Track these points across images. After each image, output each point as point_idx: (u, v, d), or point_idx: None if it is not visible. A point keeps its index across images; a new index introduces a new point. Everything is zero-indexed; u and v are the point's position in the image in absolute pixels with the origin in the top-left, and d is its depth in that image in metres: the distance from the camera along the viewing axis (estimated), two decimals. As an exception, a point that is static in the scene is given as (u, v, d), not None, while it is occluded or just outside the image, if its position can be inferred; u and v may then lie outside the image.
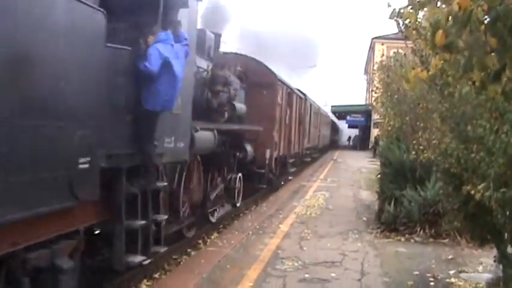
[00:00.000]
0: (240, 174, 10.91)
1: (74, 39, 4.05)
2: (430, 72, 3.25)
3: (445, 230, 8.52)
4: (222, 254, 7.57)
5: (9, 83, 3.38)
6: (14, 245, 3.69)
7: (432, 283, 6.49)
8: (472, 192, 4.37)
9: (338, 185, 17.65)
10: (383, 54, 12.52)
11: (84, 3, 4.19)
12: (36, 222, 3.85)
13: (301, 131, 20.38)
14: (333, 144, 51.04)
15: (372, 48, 45.79)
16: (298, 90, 19.55)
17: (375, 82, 12.40)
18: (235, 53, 12.71)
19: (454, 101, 4.79)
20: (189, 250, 7.75)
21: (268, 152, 13.35)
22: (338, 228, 9.77)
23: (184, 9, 6.02)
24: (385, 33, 36.94)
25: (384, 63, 11.16)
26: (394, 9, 3.71)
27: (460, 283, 6.46)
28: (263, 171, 13.14)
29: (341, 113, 52.82)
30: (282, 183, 16.90)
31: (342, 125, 60.02)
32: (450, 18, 2.14)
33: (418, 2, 3.15)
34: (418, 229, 8.96)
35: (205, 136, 7.90)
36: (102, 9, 4.43)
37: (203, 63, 8.71)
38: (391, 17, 3.82)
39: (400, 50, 10.04)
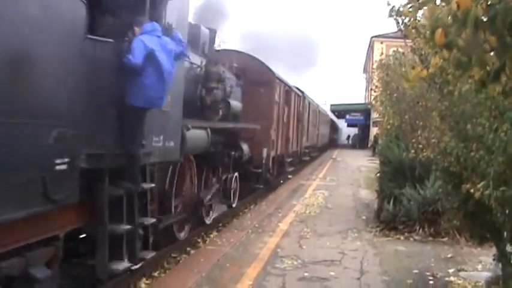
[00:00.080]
0: (236, 174, 10.73)
1: (49, 30, 3.76)
2: (429, 71, 3.24)
3: (444, 229, 8.50)
4: (222, 252, 7.57)
5: None
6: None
7: (431, 282, 6.49)
8: (472, 190, 4.36)
9: (337, 184, 17.65)
10: (382, 53, 12.53)
11: None
12: (7, 228, 3.56)
13: (299, 129, 20.22)
14: (332, 143, 51.06)
15: (371, 47, 45.86)
16: (297, 88, 19.35)
17: (374, 81, 12.37)
18: (232, 50, 12.61)
19: (454, 100, 4.78)
20: (188, 249, 7.75)
21: (265, 151, 13.09)
22: (337, 227, 9.77)
23: (173, 0, 5.75)
24: (384, 32, 37.08)
25: (383, 61, 11.13)
26: (393, 7, 3.70)
27: (459, 282, 6.46)
28: (260, 170, 12.90)
29: (340, 111, 52.82)
30: (281, 182, 16.86)
31: (341, 123, 60.04)
32: (449, 17, 2.14)
33: (418, 0, 3.14)
34: (418, 228, 8.97)
35: (198, 135, 7.60)
36: None
37: (197, 59, 8.47)
38: (390, 15, 3.82)
39: (399, 49, 10.02)
